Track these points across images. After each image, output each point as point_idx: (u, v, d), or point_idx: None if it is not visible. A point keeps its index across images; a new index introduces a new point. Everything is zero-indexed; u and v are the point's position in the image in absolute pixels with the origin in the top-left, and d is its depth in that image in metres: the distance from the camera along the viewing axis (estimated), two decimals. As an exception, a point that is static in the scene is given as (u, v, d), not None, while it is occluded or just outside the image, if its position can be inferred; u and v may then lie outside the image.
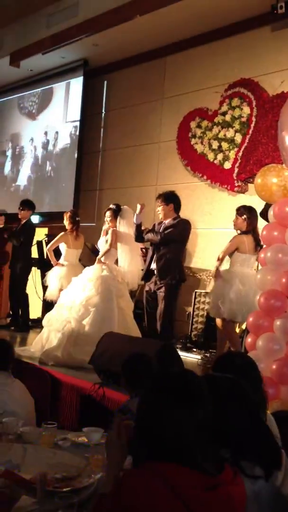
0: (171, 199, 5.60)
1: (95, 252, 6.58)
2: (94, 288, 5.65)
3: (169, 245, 5.45)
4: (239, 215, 5.31)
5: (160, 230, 5.52)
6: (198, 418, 1.51)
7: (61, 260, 6.90)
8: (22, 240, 7.28)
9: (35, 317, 7.92)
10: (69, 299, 5.70)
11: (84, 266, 6.89)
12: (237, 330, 5.48)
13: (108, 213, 6.11)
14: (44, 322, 5.78)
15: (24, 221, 7.42)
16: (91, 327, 5.37)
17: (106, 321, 5.45)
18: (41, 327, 5.83)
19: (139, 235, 5.62)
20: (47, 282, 6.94)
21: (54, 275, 6.85)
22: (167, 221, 5.56)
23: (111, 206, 6.18)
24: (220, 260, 5.30)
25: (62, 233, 6.85)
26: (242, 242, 5.24)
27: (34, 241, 7.92)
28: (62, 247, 6.92)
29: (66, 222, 6.93)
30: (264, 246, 4.09)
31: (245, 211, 5.28)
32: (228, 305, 5.10)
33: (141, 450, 1.56)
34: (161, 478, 1.44)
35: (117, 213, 6.03)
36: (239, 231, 5.36)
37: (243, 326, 5.42)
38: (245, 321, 5.17)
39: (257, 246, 5.19)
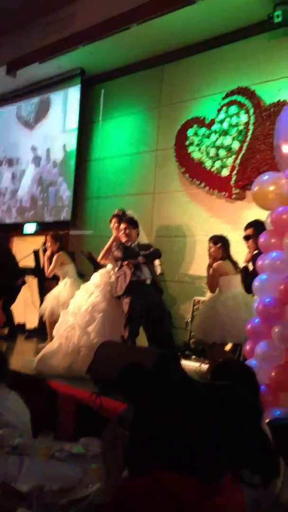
0: (137, 225, 5.76)
1: (92, 260, 6.56)
2: (101, 294, 5.60)
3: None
4: (214, 243, 5.49)
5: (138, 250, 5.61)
6: (199, 425, 1.48)
7: (66, 279, 6.76)
8: None
9: (31, 327, 7.89)
10: (75, 306, 5.66)
11: (82, 275, 6.85)
12: None
13: (113, 220, 6.04)
14: (54, 332, 5.73)
15: None
16: (97, 334, 5.32)
17: (113, 328, 5.40)
18: (37, 337, 5.78)
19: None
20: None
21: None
22: (136, 243, 5.68)
23: (116, 212, 6.12)
24: (212, 291, 5.50)
25: (56, 255, 6.72)
26: (222, 267, 5.39)
27: (30, 251, 7.91)
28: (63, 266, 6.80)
29: (49, 244, 6.81)
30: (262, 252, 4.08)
31: (219, 239, 5.50)
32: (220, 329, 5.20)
33: (138, 459, 1.52)
34: (160, 486, 1.41)
35: (121, 218, 5.94)
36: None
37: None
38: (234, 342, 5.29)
39: (236, 268, 5.39)
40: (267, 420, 2.97)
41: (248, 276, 4.69)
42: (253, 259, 4.59)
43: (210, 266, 5.47)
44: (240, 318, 4.90)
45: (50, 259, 6.78)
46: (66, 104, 9.06)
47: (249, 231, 5.04)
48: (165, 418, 1.47)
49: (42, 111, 9.53)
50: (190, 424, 1.47)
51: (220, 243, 5.48)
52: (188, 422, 1.47)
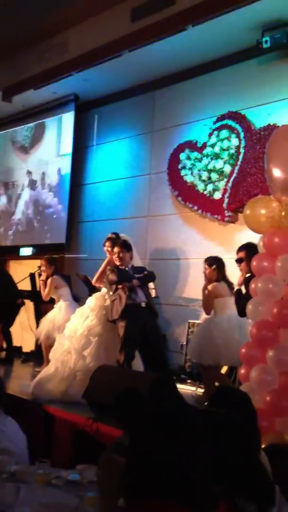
0: (131, 248, 5.78)
1: (88, 283, 6.58)
2: (96, 318, 5.60)
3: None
4: (209, 265, 5.52)
5: (132, 273, 5.64)
6: (195, 453, 1.48)
7: (61, 302, 6.80)
8: None
9: (28, 351, 7.89)
10: (71, 329, 5.66)
11: (78, 299, 6.87)
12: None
13: (107, 243, 6.05)
14: (50, 356, 5.72)
15: None
16: (93, 358, 5.31)
17: (108, 352, 5.39)
18: (34, 360, 5.77)
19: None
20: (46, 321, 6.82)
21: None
22: (130, 266, 5.69)
23: (109, 235, 6.15)
24: (207, 313, 5.52)
25: (50, 279, 6.77)
26: (217, 289, 5.42)
27: (27, 274, 7.93)
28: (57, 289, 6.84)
29: (44, 268, 6.84)
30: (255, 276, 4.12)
31: (214, 261, 5.54)
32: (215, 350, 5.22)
33: (133, 486, 1.54)
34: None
35: (114, 241, 5.95)
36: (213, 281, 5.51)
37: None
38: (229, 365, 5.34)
39: (231, 290, 5.37)
40: (263, 446, 2.98)
41: (241, 300, 4.72)
42: (246, 282, 4.62)
43: (205, 287, 5.49)
44: (234, 340, 4.91)
45: (45, 282, 6.82)
46: (61, 129, 9.19)
47: (242, 254, 5.05)
48: (160, 444, 1.46)
49: (37, 136, 9.64)
50: (186, 451, 1.45)
51: (215, 264, 5.49)
52: (184, 449, 1.46)
